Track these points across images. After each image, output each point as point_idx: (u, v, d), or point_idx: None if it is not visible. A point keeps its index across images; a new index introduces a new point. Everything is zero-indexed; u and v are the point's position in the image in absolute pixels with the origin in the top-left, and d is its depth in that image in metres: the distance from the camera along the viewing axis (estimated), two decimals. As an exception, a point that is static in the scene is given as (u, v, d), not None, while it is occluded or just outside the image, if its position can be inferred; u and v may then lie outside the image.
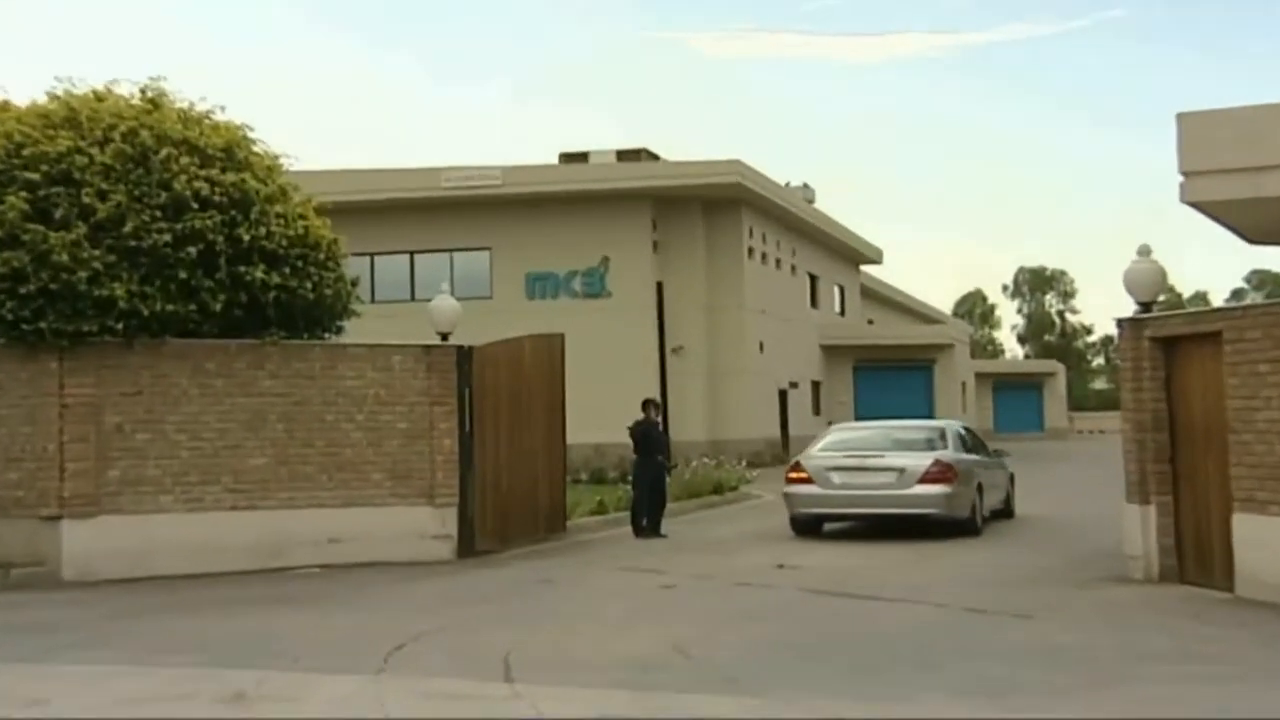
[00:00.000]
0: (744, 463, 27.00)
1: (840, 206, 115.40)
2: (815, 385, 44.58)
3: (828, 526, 17.37)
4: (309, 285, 14.38)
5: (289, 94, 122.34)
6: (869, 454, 16.99)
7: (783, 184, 41.32)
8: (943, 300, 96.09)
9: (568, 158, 38.06)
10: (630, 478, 18.55)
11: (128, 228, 13.19)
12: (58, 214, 13.17)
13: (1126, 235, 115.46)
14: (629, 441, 17.94)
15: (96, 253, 13.03)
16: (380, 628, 9.99)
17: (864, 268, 53.14)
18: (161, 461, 13.70)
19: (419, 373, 14.78)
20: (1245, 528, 10.64)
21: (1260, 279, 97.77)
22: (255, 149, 14.85)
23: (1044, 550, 15.04)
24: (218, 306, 13.58)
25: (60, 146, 13.43)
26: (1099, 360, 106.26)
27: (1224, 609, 10.43)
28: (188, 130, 14.12)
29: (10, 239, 12.99)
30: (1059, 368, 77.74)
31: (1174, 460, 11.84)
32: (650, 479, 17.49)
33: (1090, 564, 13.23)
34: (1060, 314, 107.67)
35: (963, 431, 18.79)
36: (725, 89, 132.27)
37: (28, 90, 54.83)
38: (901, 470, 16.46)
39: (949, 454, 16.92)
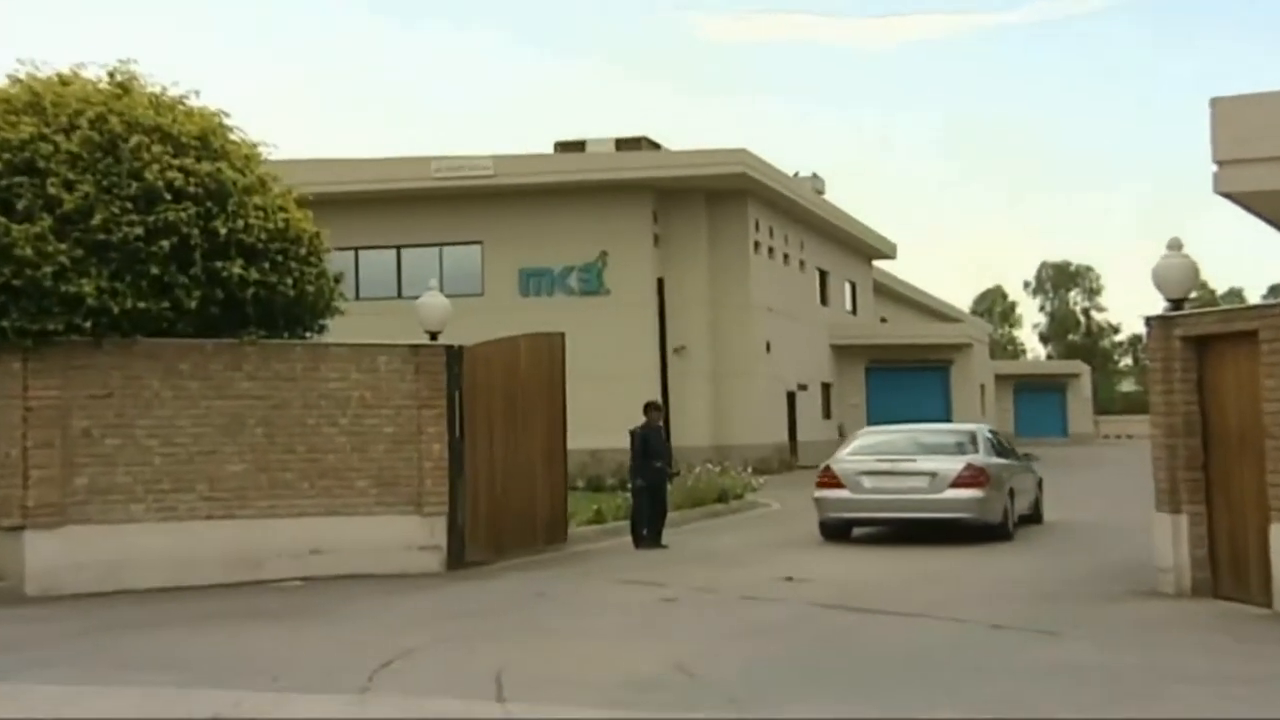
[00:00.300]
0: (750, 469, 27.03)
1: (851, 198, 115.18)
2: (825, 387, 44.61)
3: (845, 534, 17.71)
4: (289, 281, 14.33)
5: (280, 85, 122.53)
6: (900, 458, 17.54)
7: (791, 174, 41.36)
8: (960, 297, 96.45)
9: (564, 146, 38.09)
10: (629, 485, 18.54)
11: (96, 220, 13.13)
12: (21, 205, 13.10)
13: (1156, 228, 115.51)
14: (628, 447, 17.92)
15: (63, 247, 12.96)
16: (365, 644, 9.96)
17: (877, 263, 53.19)
18: (132, 468, 13.64)
19: (406, 374, 14.75)
20: (1284, 539, 10.58)
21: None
22: (232, 137, 14.82)
23: (1071, 559, 15.17)
24: (192, 304, 13.53)
25: (23, 133, 13.37)
26: (1126, 361, 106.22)
27: (1262, 625, 10.39)
28: (160, 117, 14.07)
29: (-30, 233, 12.94)
30: (1084, 369, 77.95)
31: (1206, 467, 11.79)
32: (651, 487, 17.47)
33: (1120, 576, 13.22)
34: (1085, 312, 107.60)
35: (992, 435, 19.29)
36: (730, 73, 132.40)
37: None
38: (934, 474, 17.01)
39: (981, 458, 17.43)
